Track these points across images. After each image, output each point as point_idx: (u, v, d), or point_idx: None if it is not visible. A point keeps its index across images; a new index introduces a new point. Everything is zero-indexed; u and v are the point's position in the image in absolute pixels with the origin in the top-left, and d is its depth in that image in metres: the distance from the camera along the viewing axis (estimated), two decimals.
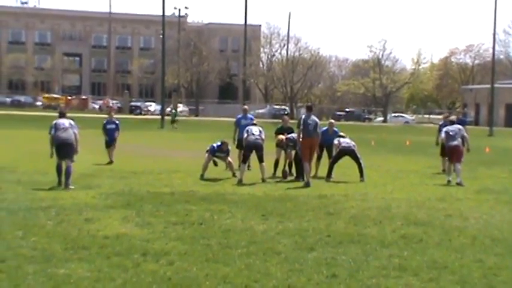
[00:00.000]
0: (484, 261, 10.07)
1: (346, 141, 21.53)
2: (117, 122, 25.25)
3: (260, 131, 20.54)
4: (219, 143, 20.93)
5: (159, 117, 64.11)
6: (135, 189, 17.20)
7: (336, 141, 21.53)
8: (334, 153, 21.58)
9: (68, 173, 17.21)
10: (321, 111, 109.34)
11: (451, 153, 20.96)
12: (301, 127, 19.51)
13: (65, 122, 17.80)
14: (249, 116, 24.06)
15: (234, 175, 20.56)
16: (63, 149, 17.42)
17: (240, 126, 23.11)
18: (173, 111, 66.75)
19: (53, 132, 17.57)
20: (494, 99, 73.96)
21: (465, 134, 21.34)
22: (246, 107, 25.64)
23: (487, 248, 11.11)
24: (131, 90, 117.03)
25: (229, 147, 21.26)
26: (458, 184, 19.95)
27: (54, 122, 17.84)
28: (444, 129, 21.90)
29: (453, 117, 24.75)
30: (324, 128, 22.32)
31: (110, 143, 24.58)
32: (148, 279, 8.67)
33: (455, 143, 20.84)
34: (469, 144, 21.44)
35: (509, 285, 8.85)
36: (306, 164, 19.43)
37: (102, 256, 9.81)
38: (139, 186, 17.70)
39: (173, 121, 59.87)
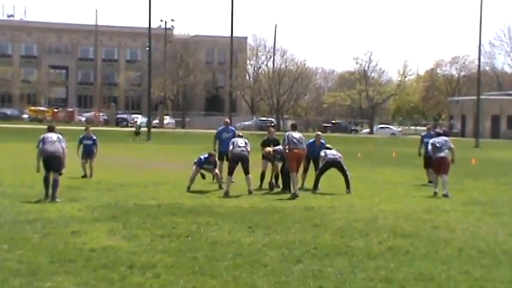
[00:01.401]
0: (471, 273, 10.08)
1: (332, 153, 21.54)
2: (94, 137, 24.59)
3: (246, 143, 20.53)
4: (206, 155, 20.85)
5: (145, 129, 64.04)
6: (122, 201, 17.15)
7: (322, 153, 21.53)
8: (320, 165, 21.59)
9: (54, 186, 17.17)
10: (307, 123, 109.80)
11: (438, 165, 21.01)
12: (286, 141, 19.60)
13: (53, 136, 17.79)
14: (231, 128, 24.07)
15: (220, 187, 20.56)
16: (51, 161, 17.39)
17: (221, 139, 23.15)
18: (137, 123, 66.72)
19: (40, 145, 17.55)
20: (480, 110, 74.24)
21: (452, 146, 21.42)
22: (227, 119, 25.66)
23: (473, 259, 11.13)
24: (118, 102, 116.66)
25: (217, 160, 21.25)
26: (445, 196, 19.99)
27: (42, 136, 17.82)
28: (431, 141, 21.95)
29: (440, 129, 24.96)
30: (311, 140, 22.40)
31: (87, 156, 24.04)
32: None
33: (442, 154, 20.91)
34: (454, 156, 21.50)
35: None
36: (294, 175, 19.40)
37: (89, 269, 9.78)
38: (126, 199, 17.65)
39: (137, 133, 59.65)
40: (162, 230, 13.01)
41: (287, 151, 19.61)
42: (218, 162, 22.21)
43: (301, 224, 14.20)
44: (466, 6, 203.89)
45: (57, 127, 19.85)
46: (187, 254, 10.90)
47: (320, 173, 21.33)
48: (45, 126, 18.98)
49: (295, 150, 19.56)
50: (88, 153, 24.05)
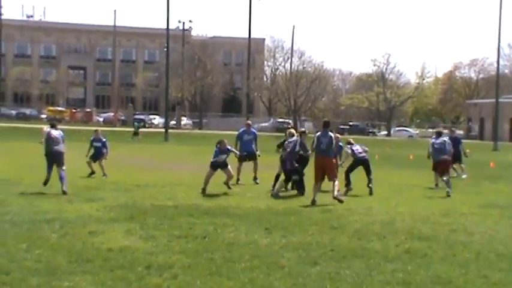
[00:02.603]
0: (489, 277, 10.04)
1: (359, 151, 21.44)
2: (103, 139, 24.87)
3: None
4: (215, 149, 20.70)
5: (163, 130, 64.12)
6: (139, 202, 17.19)
7: (348, 150, 21.48)
8: (342, 160, 21.62)
9: (62, 180, 18.48)
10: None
11: (438, 166, 21.27)
12: (314, 146, 18.70)
13: (57, 134, 19.29)
14: (252, 130, 24.06)
15: (228, 186, 20.49)
16: (56, 157, 18.98)
17: (242, 140, 23.24)
18: (135, 123, 67.03)
19: (46, 142, 19.20)
20: (498, 113, 73.82)
21: (449, 148, 21.62)
22: (249, 121, 25.59)
23: (491, 263, 11.08)
24: (135, 103, 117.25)
25: (229, 146, 20.86)
26: (447, 195, 20.21)
27: (47, 130, 19.39)
28: (431, 142, 22.22)
29: (440, 129, 24.98)
30: None
31: (96, 157, 24.31)
32: None
33: (442, 157, 20.97)
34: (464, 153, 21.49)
35: None
36: (316, 186, 18.35)
37: (106, 269, 9.81)
38: (143, 199, 17.69)
39: (135, 133, 59.97)
40: (179, 231, 13.03)
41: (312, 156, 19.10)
42: (237, 164, 22.35)
43: (318, 226, 14.19)
44: (485, 7, 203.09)
45: (76, 127, 20.11)
46: (204, 255, 10.92)
47: (349, 170, 21.27)
48: (65, 127, 19.64)
49: (320, 159, 18.57)
50: (97, 155, 24.38)
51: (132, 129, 63.13)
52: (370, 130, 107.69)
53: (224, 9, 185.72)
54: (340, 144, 22.55)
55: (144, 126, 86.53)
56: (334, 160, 19.39)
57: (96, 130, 25.88)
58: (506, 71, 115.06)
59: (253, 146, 23.69)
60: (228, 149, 20.79)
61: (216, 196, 19.12)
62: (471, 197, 20.65)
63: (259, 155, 23.58)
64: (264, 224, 14.22)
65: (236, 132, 25.04)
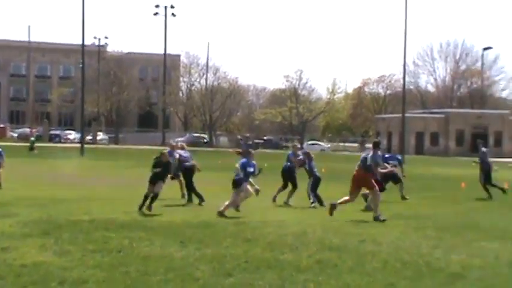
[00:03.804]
0: (395, 285, 10.22)
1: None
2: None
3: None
4: (243, 160, 19.45)
5: (79, 145, 63.31)
6: (54, 217, 16.87)
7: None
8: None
9: None
10: (239, 140, 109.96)
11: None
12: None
13: None
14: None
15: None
16: None
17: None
18: (32, 138, 66.78)
19: None
20: (405, 127, 75.40)
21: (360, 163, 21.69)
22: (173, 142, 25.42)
23: (397, 271, 11.27)
24: (51, 118, 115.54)
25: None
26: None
27: None
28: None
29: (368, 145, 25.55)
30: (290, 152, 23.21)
31: None
32: None
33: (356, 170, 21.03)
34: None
35: None
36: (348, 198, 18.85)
37: (18, 285, 9.61)
38: (58, 214, 17.36)
39: (31, 148, 59.78)
40: (94, 245, 12.84)
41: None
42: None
43: (232, 238, 14.18)
44: (392, 26, 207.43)
45: None
46: (119, 269, 10.79)
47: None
48: None
49: (354, 172, 19.21)
50: None
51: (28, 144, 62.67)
52: (284, 144, 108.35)
53: (140, 25, 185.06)
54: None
55: (60, 142, 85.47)
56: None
57: None
58: (412, 87, 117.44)
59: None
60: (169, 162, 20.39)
61: (131, 210, 18.91)
62: (380, 208, 20.93)
63: (199, 170, 23.32)
64: (179, 237, 14.16)
65: (153, 147, 25.08)
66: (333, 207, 18.43)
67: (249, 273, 10.73)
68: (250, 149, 25.10)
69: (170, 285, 9.82)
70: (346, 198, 18.83)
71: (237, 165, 19.08)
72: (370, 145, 22.19)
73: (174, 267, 11.02)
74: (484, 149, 27.51)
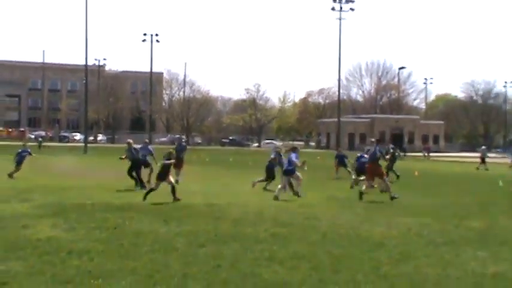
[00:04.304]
0: (332, 252, 10.27)
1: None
2: (28, 150, 25.61)
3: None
4: (294, 154, 19.49)
5: (83, 144, 62.60)
6: (63, 201, 16.68)
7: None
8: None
9: None
10: (210, 139, 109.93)
11: None
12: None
13: None
14: (149, 147, 23.70)
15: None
16: None
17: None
18: (40, 139, 66.48)
19: None
20: (340, 129, 75.86)
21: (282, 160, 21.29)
22: (146, 140, 25.27)
23: (334, 241, 11.34)
24: (61, 123, 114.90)
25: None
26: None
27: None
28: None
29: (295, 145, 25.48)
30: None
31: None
32: (72, 272, 8.45)
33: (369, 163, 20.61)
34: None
35: (351, 269, 9.03)
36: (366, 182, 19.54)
37: (35, 255, 9.49)
38: (66, 199, 17.17)
39: (39, 146, 59.19)
40: (95, 224, 12.73)
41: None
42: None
43: (205, 217, 14.14)
44: (330, 48, 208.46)
45: (11, 143, 19.39)
46: (115, 242, 10.71)
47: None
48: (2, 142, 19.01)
49: (367, 164, 19.94)
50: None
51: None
52: (245, 143, 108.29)
53: (132, 49, 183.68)
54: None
55: (68, 142, 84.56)
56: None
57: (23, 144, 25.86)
58: (345, 97, 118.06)
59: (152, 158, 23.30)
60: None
61: (124, 196, 18.77)
62: (320, 192, 21.03)
63: (157, 164, 23.14)
64: (163, 216, 14.08)
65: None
66: (361, 194, 18.76)
67: (218, 245, 10.72)
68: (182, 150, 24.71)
69: (156, 254, 9.77)
70: (366, 184, 19.34)
71: (294, 159, 19.37)
72: (373, 139, 22.01)
73: (159, 240, 10.97)
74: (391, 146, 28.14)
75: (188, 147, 28.41)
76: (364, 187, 19.35)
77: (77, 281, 8.08)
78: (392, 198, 18.64)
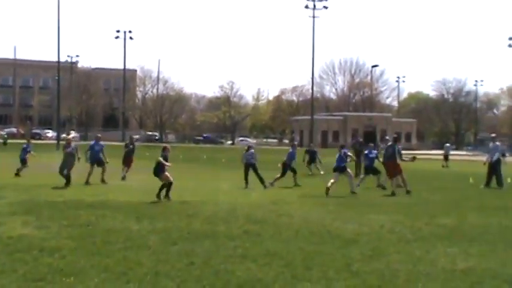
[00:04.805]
0: (304, 249, 10.32)
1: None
2: None
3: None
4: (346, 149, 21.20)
5: (55, 141, 62.00)
6: (35, 199, 16.54)
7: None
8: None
9: None
10: (184, 137, 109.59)
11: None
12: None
13: None
14: (101, 143, 23.62)
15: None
16: None
17: (94, 150, 23.22)
18: (4, 135, 66.32)
19: None
20: (313, 127, 76.17)
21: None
22: (99, 135, 25.35)
23: (306, 238, 11.38)
24: (33, 120, 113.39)
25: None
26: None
27: None
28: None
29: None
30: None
31: None
32: (44, 270, 8.38)
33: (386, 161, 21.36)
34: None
35: (323, 266, 9.08)
36: (394, 180, 20.51)
37: (6, 253, 9.39)
38: (38, 197, 17.03)
39: (5, 143, 58.94)
40: (67, 221, 12.63)
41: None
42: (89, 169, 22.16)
43: (177, 215, 14.12)
44: (304, 46, 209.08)
45: None
46: (88, 239, 10.65)
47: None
48: None
49: (386, 162, 20.85)
50: None
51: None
52: (219, 140, 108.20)
53: (105, 46, 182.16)
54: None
55: (40, 139, 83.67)
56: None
57: None
58: (318, 95, 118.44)
59: (102, 155, 23.22)
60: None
61: (97, 193, 18.65)
62: (293, 189, 21.11)
63: (107, 162, 23.10)
64: (135, 213, 14.03)
65: (115, 143, 25.13)
66: (393, 193, 19.92)
67: (190, 242, 10.71)
68: (132, 150, 25.28)
69: (128, 252, 9.73)
70: (389, 180, 20.70)
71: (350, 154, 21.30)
72: (387, 137, 22.01)
73: (131, 238, 10.93)
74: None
75: (162, 144, 28.39)
76: (392, 184, 20.45)
77: (49, 278, 8.01)
78: (407, 192, 20.06)
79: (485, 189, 23.38)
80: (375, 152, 23.47)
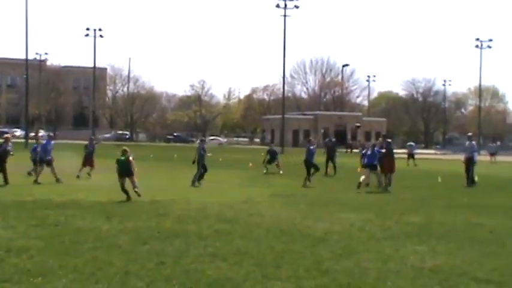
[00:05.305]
0: (275, 247, 10.34)
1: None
2: None
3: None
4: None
5: (23, 140, 61.29)
6: (2, 198, 16.30)
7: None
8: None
9: None
10: (154, 136, 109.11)
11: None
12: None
13: None
14: (52, 142, 23.71)
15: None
16: None
17: (46, 149, 23.37)
18: None
19: None
20: (284, 126, 76.32)
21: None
22: (51, 134, 25.48)
23: (277, 237, 11.41)
24: (0, 119, 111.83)
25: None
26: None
27: None
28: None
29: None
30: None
31: None
32: (11, 271, 8.27)
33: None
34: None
35: (293, 265, 9.10)
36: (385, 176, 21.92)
37: None
38: (5, 196, 16.79)
39: None
40: (35, 221, 12.49)
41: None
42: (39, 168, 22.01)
43: (147, 214, 14.05)
44: (274, 45, 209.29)
45: None
46: (56, 239, 10.54)
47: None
48: None
49: (384, 158, 22.00)
50: None
51: None
52: (190, 139, 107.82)
53: (74, 43, 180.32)
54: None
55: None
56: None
57: None
58: (289, 94, 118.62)
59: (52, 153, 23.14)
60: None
61: (66, 192, 18.45)
62: (264, 189, 21.13)
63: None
64: (105, 213, 13.93)
65: (85, 142, 25.23)
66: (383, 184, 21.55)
67: (161, 241, 10.67)
68: (92, 151, 25.35)
69: (98, 251, 9.66)
70: (384, 178, 21.74)
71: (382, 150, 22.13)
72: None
73: (101, 237, 10.85)
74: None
75: (132, 143, 28.36)
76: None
77: (15, 279, 7.91)
78: (386, 190, 21.14)
79: (469, 187, 23.53)
80: (381, 150, 22.55)
